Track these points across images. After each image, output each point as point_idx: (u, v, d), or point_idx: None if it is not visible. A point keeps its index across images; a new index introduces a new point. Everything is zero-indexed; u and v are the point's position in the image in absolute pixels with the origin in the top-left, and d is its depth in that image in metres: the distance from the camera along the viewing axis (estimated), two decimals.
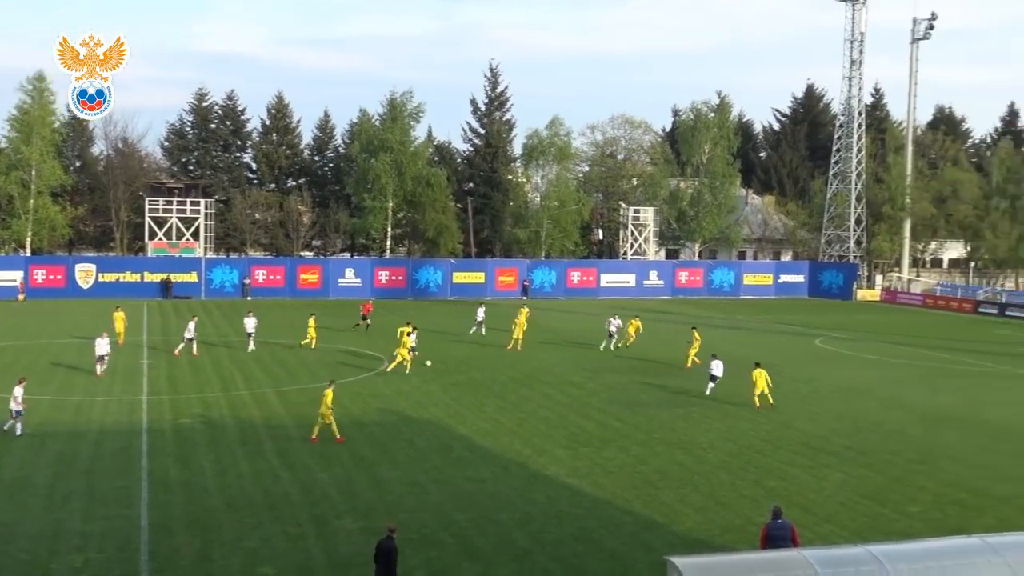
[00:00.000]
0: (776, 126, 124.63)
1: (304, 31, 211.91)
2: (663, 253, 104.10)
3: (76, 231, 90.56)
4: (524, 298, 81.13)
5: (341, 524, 23.67)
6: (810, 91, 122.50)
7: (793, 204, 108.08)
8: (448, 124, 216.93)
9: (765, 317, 72.63)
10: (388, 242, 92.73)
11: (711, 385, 40.67)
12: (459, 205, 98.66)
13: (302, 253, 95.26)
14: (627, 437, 33.10)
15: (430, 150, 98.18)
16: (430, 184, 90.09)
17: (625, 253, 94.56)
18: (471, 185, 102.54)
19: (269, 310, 66.91)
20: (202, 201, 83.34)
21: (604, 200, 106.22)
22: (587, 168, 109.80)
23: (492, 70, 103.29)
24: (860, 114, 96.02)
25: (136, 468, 27.88)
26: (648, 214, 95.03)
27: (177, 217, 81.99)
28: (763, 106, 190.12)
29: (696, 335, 48.89)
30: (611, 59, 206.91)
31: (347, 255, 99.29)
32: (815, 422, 36.10)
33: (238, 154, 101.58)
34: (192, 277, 78.09)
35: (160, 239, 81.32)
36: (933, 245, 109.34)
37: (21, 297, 72.85)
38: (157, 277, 76.86)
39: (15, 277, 74.19)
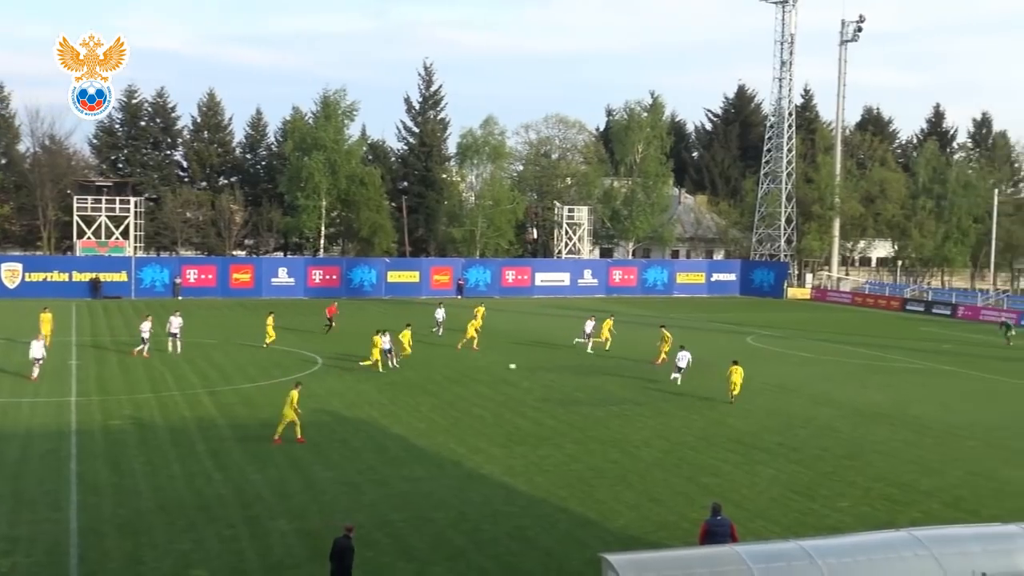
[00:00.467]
0: (708, 126, 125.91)
1: (236, 28, 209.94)
2: (597, 252, 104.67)
3: (2, 230, 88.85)
4: (459, 296, 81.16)
5: (275, 525, 23.48)
6: (741, 92, 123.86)
7: (725, 203, 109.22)
8: (382, 123, 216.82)
9: (698, 315, 73.29)
10: (322, 241, 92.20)
11: (676, 375, 42.88)
12: (393, 204, 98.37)
13: (234, 252, 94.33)
14: (562, 435, 33.22)
15: (364, 149, 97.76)
16: (364, 183, 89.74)
17: (559, 252, 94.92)
18: (405, 184, 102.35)
19: (200, 310, 66.18)
20: (132, 199, 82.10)
21: (538, 199, 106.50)
22: (521, 167, 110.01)
23: (426, 69, 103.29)
24: (790, 115, 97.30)
25: (65, 471, 27.39)
26: (582, 213, 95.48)
27: (106, 216, 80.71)
28: (695, 106, 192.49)
29: (666, 334, 49.42)
30: (545, 59, 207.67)
31: (280, 254, 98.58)
32: (747, 419, 36.51)
33: (169, 152, 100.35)
34: (122, 277, 76.89)
35: (89, 238, 80.00)
36: (862, 244, 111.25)
37: None
38: (86, 277, 75.59)
39: None
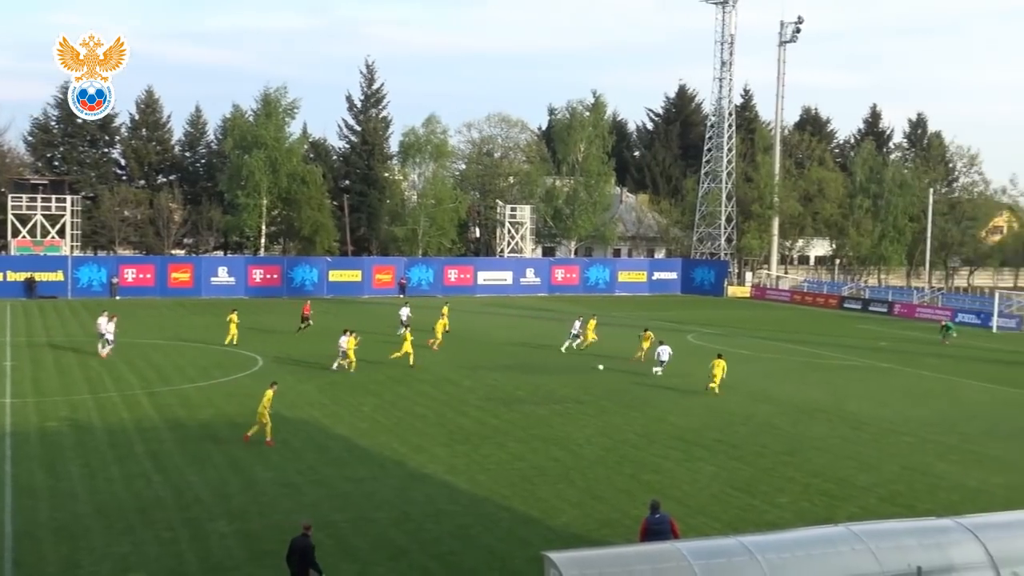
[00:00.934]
0: (649, 126, 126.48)
1: (175, 25, 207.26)
2: (540, 251, 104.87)
3: None
4: (401, 296, 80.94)
5: (215, 527, 23.27)
6: (682, 91, 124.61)
7: (666, 202, 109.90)
8: (324, 121, 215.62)
9: (639, 314, 73.65)
10: (262, 240, 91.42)
11: (657, 369, 44.87)
12: (335, 203, 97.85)
13: (173, 251, 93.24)
14: (504, 434, 33.28)
15: (305, 147, 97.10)
16: (305, 181, 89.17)
17: (502, 251, 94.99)
18: (347, 182, 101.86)
19: (139, 310, 65.37)
20: (68, 198, 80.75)
21: (481, 198, 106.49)
22: (464, 166, 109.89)
23: (368, 67, 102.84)
24: (730, 114, 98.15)
25: None
26: (525, 212, 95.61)
27: (42, 214, 79.31)
28: (637, 106, 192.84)
29: (649, 334, 50.10)
30: (487, 57, 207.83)
31: (220, 253, 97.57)
32: (688, 416, 36.80)
33: (106, 149, 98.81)
34: (58, 276, 75.66)
35: (24, 237, 78.58)
36: (800, 243, 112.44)
37: None
38: (20, 276, 74.30)
39: None
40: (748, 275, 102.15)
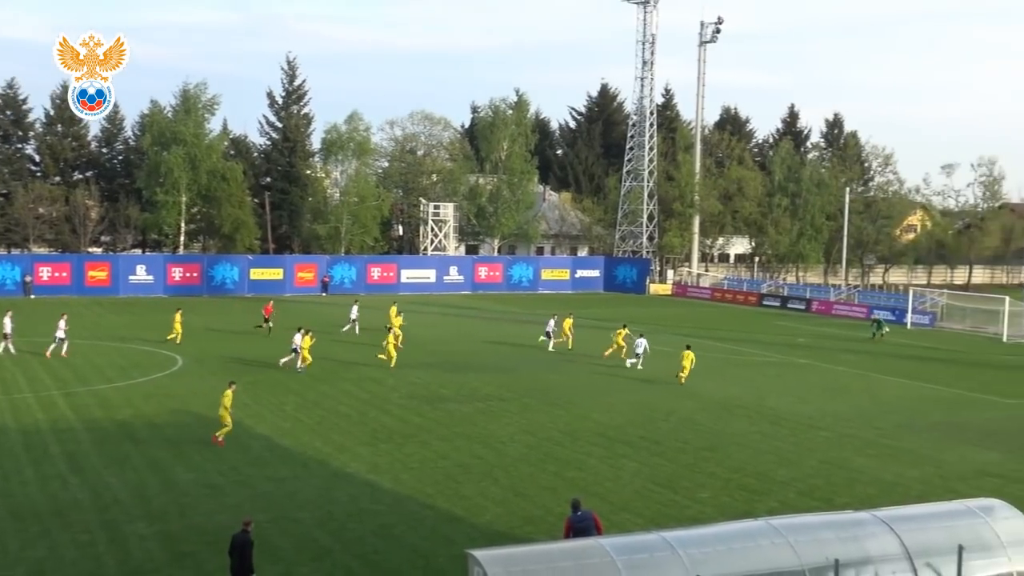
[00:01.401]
0: (572, 124, 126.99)
1: (92, 18, 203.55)
2: (463, 249, 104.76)
3: None
4: (324, 294, 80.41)
5: (134, 529, 22.91)
6: (604, 90, 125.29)
7: (589, 201, 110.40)
8: (245, 117, 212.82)
9: (563, 311, 73.76)
10: (182, 238, 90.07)
11: (632, 360, 46.96)
12: (256, 200, 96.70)
13: (90, 249, 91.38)
14: (428, 432, 33.21)
15: (226, 143, 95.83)
16: (226, 178, 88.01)
17: (425, 249, 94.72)
18: (269, 180, 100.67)
19: (54, 309, 63.97)
20: None
21: (404, 196, 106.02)
22: (387, 164, 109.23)
23: (290, 63, 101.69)
24: (652, 113, 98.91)
25: None
26: (448, 210, 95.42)
27: None
28: (560, 104, 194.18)
29: (625, 331, 50.79)
30: (410, 55, 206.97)
31: (138, 251, 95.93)
32: (611, 413, 37.05)
33: (20, 145, 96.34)
34: None
35: None
36: (721, 241, 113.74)
37: None
38: None
39: None
40: (670, 273, 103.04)
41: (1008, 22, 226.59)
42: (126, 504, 24.63)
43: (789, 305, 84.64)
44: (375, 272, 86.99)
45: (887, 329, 63.90)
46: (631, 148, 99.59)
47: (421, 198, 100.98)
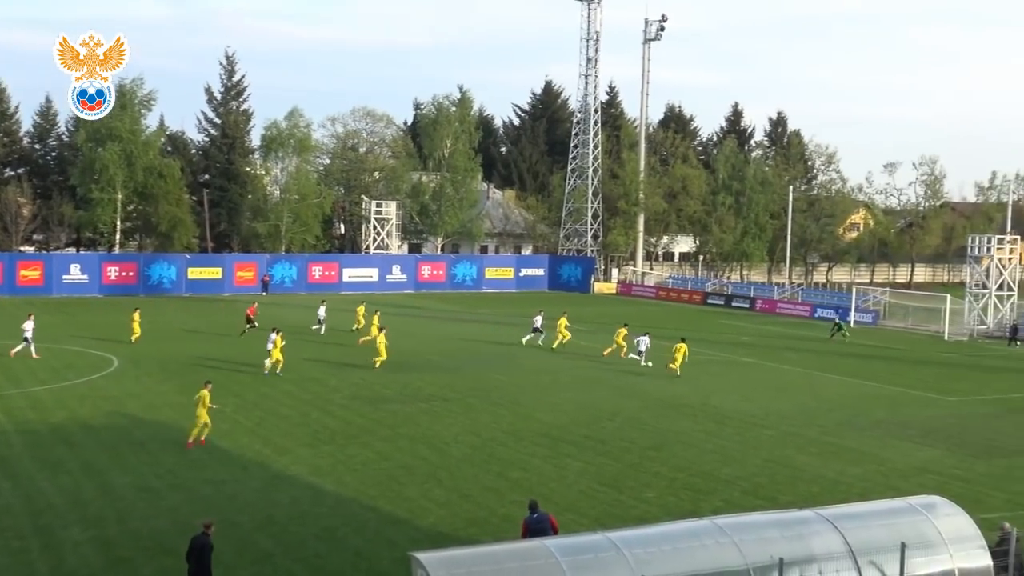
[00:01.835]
0: (516, 121, 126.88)
1: (23, 10, 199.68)
2: (406, 247, 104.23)
3: None
4: (264, 293, 79.54)
5: (68, 534, 22.31)
6: (548, 88, 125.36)
7: (533, 199, 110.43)
8: (182, 113, 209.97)
9: (507, 310, 73.73)
10: (117, 236, 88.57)
11: (633, 356, 48.35)
12: (194, 198, 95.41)
13: (22, 248, 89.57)
14: (370, 433, 32.81)
15: (163, 140, 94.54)
16: (163, 175, 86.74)
17: (368, 247, 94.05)
18: (207, 177, 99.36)
19: None
20: None
21: (346, 193, 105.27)
22: (328, 161, 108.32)
23: (228, 58, 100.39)
24: (596, 111, 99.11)
25: None
26: (391, 208, 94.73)
27: None
28: (503, 101, 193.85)
29: (624, 331, 51.36)
30: (352, 51, 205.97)
31: (73, 250, 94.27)
32: (555, 412, 36.86)
33: None
34: None
35: None
36: (665, 239, 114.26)
37: None
38: None
39: None
40: (614, 271, 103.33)
41: (948, 23, 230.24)
42: (60, 509, 24.00)
43: (733, 304, 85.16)
44: (316, 271, 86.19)
45: (847, 334, 63.19)
46: (575, 146, 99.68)
47: (363, 196, 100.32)
